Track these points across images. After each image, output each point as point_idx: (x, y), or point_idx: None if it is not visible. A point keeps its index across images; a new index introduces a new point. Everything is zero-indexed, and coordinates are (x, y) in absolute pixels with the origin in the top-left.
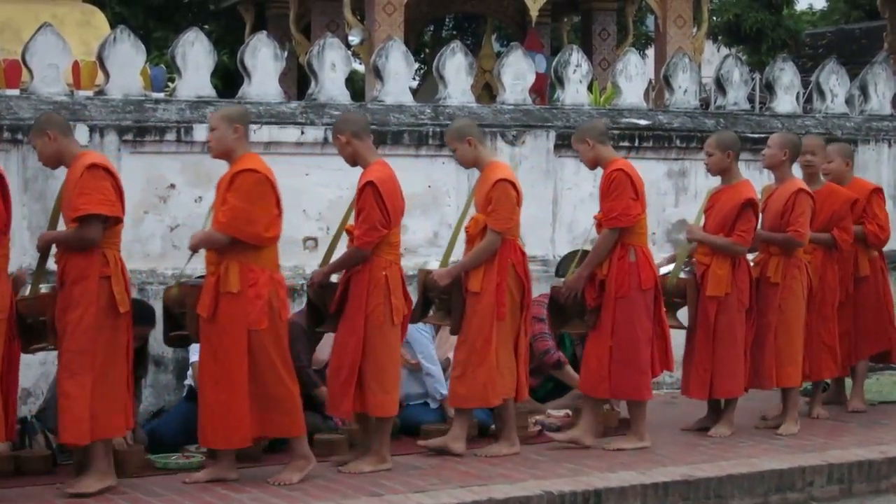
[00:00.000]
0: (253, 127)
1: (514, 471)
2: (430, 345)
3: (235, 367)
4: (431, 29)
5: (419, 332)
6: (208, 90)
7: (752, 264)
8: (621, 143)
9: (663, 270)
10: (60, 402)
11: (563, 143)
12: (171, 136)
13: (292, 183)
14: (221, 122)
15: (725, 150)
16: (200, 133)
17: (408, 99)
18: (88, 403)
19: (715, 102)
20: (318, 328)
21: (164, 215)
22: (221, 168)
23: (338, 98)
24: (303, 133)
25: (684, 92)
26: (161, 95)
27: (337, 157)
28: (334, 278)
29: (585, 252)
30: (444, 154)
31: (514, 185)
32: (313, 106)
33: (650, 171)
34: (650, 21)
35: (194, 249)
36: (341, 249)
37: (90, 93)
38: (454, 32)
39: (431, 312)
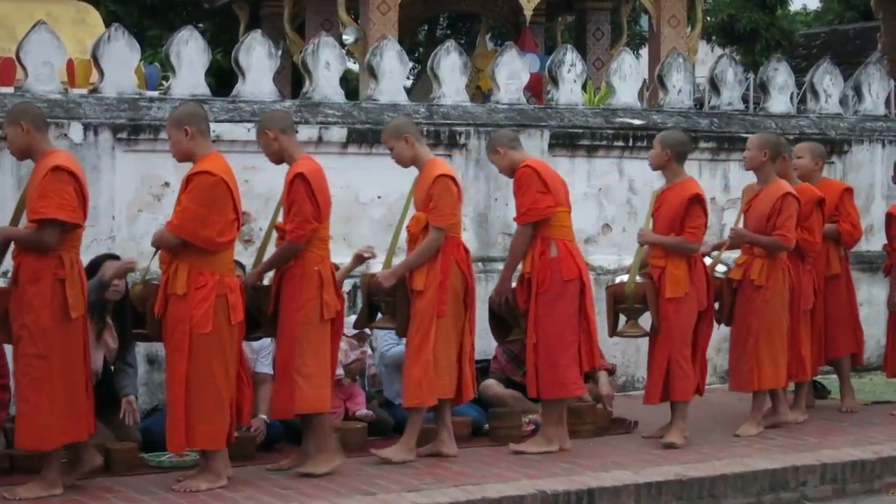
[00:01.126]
0: (248, 126)
1: (508, 470)
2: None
3: (175, 370)
4: (426, 28)
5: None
6: (203, 88)
7: (733, 265)
8: (615, 143)
9: (618, 279)
10: (19, 407)
11: (558, 143)
12: (165, 134)
13: None
14: (171, 127)
15: (665, 148)
16: None
17: (402, 98)
18: (50, 409)
19: (709, 102)
20: (255, 334)
21: (159, 213)
22: None
23: (332, 97)
24: (297, 132)
25: (678, 92)
26: (155, 94)
27: (331, 156)
28: (266, 280)
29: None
30: (439, 153)
31: (454, 180)
32: (308, 105)
33: (644, 170)
34: (644, 21)
35: (154, 247)
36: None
37: (85, 91)
38: (448, 32)
39: (379, 317)
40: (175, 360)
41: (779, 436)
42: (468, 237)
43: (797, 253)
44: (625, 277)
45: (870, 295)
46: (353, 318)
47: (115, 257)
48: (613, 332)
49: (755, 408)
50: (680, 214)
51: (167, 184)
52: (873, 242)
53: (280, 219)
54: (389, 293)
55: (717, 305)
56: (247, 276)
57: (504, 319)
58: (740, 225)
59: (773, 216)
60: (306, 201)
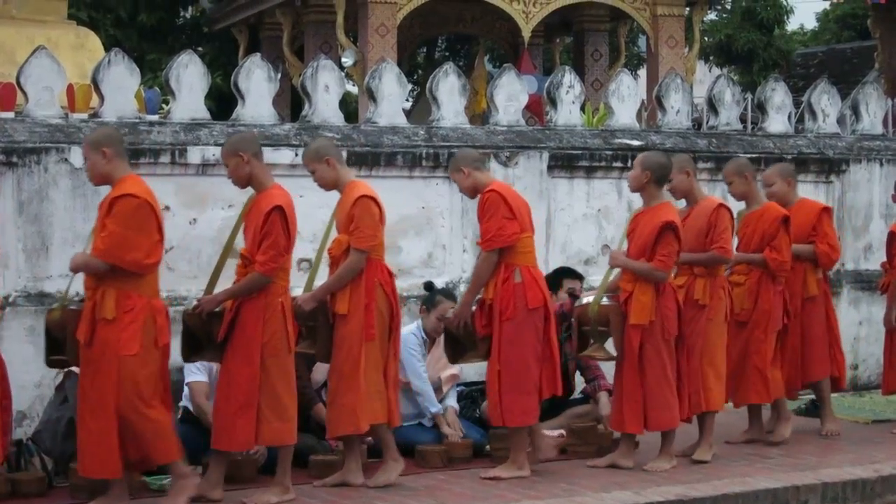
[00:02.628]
0: None
1: (509, 491)
2: (418, 364)
3: (108, 394)
4: (424, 50)
5: (408, 352)
6: (202, 112)
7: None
8: (614, 164)
9: (585, 300)
10: None
11: (557, 164)
12: (165, 158)
13: None
14: (89, 149)
15: (645, 169)
16: (195, 155)
17: (401, 120)
18: None
19: (707, 122)
20: (195, 358)
21: None
22: (215, 190)
23: (331, 120)
24: (297, 155)
25: (676, 112)
26: (155, 118)
27: None
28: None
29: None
30: (438, 175)
31: (376, 201)
32: (307, 128)
33: None
34: (642, 41)
35: (74, 272)
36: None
37: (85, 115)
38: (447, 53)
39: (299, 341)
40: (107, 384)
41: (779, 455)
42: (468, 258)
43: (768, 274)
44: (605, 300)
45: (869, 314)
46: None
47: None
48: (579, 352)
49: (707, 430)
50: (651, 240)
51: (167, 207)
52: (872, 261)
53: (239, 243)
54: (310, 317)
55: None
56: (202, 301)
57: (460, 341)
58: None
59: (710, 230)
60: (282, 236)
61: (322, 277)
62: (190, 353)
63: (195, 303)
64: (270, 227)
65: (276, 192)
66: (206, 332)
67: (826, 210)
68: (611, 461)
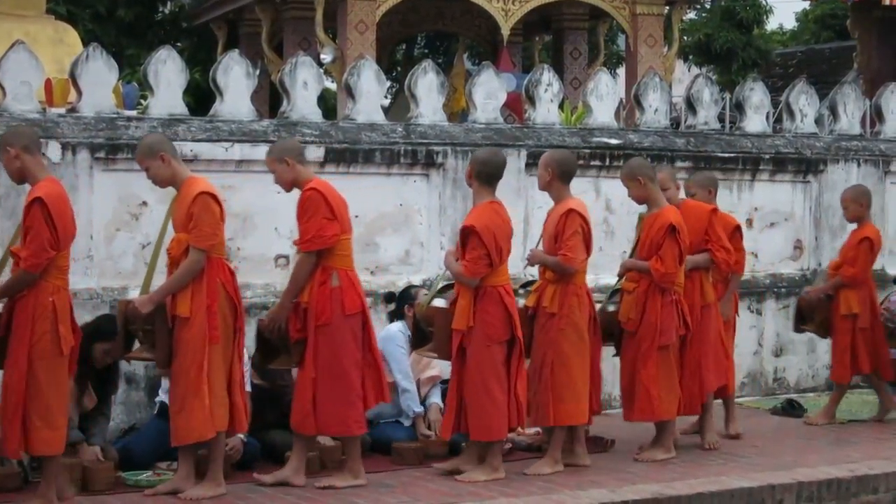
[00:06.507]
0: (225, 145)
1: (484, 489)
2: (405, 360)
3: None
4: (403, 47)
5: (396, 348)
6: (180, 108)
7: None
8: (592, 163)
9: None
10: None
11: (534, 162)
12: None
13: (264, 201)
14: None
15: (469, 165)
16: None
17: (379, 118)
18: None
19: (685, 122)
20: None
21: (136, 233)
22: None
23: (310, 116)
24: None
25: (655, 111)
26: (133, 113)
27: None
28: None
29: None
30: (416, 173)
31: (215, 198)
32: (285, 124)
33: (621, 190)
34: (621, 40)
35: None
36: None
37: (62, 110)
38: (426, 51)
39: (136, 347)
40: None
41: (755, 454)
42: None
43: (657, 286)
44: (439, 301)
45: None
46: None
47: (110, 319)
48: (414, 349)
49: (556, 444)
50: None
51: (145, 203)
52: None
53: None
54: (147, 321)
55: None
56: None
57: (272, 344)
58: (540, 247)
59: (559, 235)
60: (44, 228)
61: (160, 279)
62: None
63: None
64: (31, 220)
65: (43, 184)
66: None
67: (714, 211)
68: (454, 465)
